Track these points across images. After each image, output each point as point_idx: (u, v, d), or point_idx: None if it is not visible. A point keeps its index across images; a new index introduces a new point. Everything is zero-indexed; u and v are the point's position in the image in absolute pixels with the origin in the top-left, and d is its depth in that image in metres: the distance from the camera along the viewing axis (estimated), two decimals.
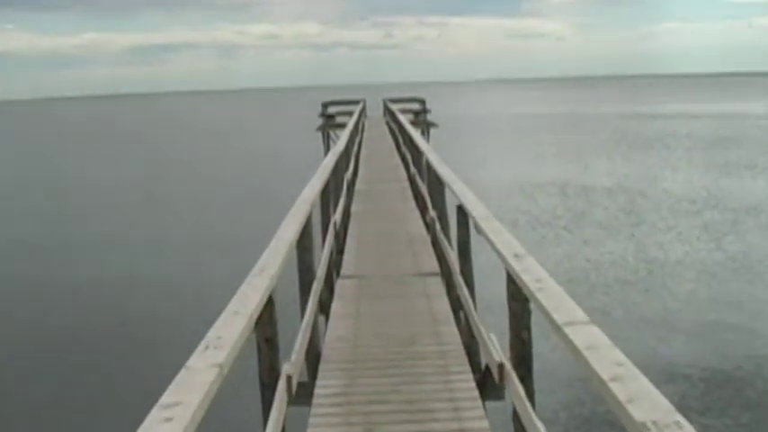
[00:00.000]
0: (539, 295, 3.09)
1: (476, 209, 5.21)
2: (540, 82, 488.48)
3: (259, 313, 3.36)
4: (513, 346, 3.72)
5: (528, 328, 3.62)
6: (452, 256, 6.79)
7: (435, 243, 9.04)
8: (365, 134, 26.65)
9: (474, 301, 5.51)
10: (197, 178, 36.08)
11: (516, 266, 3.53)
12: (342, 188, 10.46)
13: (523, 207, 25.19)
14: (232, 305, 3.21)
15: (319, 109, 40.29)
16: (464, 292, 5.46)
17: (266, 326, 3.57)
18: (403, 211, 11.91)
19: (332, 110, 40.23)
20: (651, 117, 77.80)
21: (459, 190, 6.10)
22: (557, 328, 2.79)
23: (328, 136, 37.60)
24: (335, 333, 6.13)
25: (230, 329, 2.90)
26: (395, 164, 18.05)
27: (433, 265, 8.30)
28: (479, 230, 4.56)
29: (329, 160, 8.93)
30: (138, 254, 20.20)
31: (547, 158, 40.60)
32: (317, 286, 5.48)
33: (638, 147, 45.58)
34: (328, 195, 8.17)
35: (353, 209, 12.20)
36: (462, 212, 5.77)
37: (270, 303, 3.54)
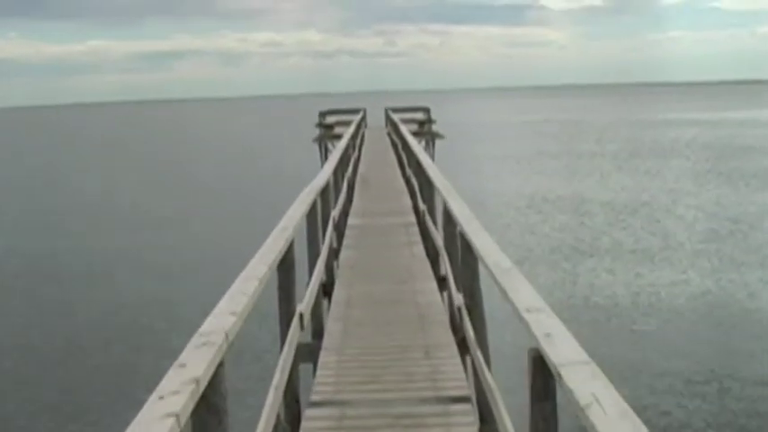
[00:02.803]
0: None
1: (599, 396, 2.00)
2: (544, 90, 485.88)
3: None
4: None
5: None
6: (491, 383, 3.86)
7: (455, 321, 6.18)
8: (364, 149, 23.67)
9: None
10: (175, 205, 31.54)
11: None
12: (322, 241, 7.47)
13: (537, 228, 22.30)
14: None
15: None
16: None
17: None
18: (408, 262, 8.86)
19: (330, 119, 37.59)
20: (663, 125, 75.00)
21: (532, 309, 2.74)
22: None
23: (326, 148, 34.84)
24: None
25: None
26: (398, 188, 15.01)
27: (459, 376, 5.24)
28: None
29: (299, 207, 5.93)
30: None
31: (559, 171, 37.69)
32: None
33: (654, 157, 42.78)
34: (292, 263, 5.18)
35: (342, 256, 9.24)
36: (543, 367, 2.56)
37: None
